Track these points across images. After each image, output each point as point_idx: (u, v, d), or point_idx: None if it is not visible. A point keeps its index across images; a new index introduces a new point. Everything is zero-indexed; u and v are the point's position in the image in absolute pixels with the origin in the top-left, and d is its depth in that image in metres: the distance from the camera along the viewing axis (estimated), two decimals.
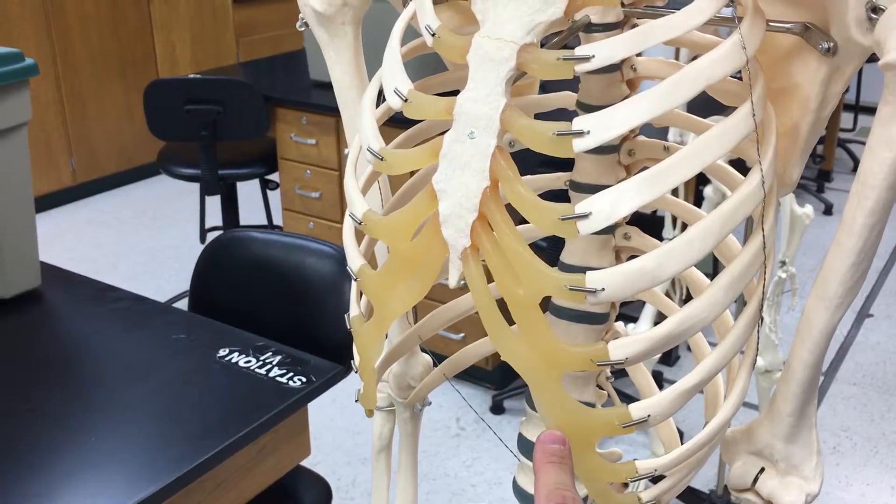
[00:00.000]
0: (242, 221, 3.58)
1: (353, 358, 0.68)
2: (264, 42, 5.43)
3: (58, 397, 1.41)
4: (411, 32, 0.64)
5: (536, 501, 0.47)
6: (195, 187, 3.37)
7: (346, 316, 0.64)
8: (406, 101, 0.55)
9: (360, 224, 0.58)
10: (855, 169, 5.00)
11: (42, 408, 1.38)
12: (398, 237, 0.56)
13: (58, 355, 1.55)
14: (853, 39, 0.51)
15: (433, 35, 0.55)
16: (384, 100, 0.60)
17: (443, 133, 0.55)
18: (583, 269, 0.66)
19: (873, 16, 0.50)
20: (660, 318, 0.69)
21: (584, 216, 0.49)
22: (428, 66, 0.69)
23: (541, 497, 0.46)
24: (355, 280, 0.61)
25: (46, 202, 4.56)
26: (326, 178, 3.14)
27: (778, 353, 2.33)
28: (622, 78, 0.62)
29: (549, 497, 0.46)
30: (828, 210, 4.48)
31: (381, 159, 0.56)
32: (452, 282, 0.54)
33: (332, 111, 3.01)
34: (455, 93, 0.68)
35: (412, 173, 0.67)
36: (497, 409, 2.89)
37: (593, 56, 0.50)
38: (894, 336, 3.41)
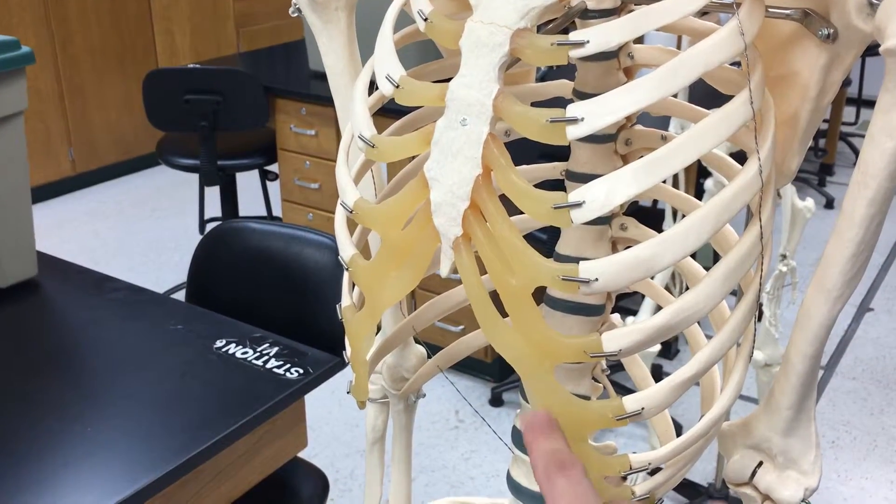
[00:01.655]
0: (242, 212, 3.57)
1: (345, 349, 0.67)
2: (265, 32, 5.41)
3: (54, 387, 1.40)
4: (406, 19, 0.63)
5: (535, 473, 0.45)
6: (195, 178, 3.37)
7: (337, 306, 0.63)
8: (398, 87, 0.54)
9: (350, 213, 0.57)
10: None
11: (38, 398, 1.37)
12: (389, 226, 0.55)
13: (54, 345, 1.55)
14: (853, 25, 0.50)
15: (426, 20, 0.54)
16: (378, 88, 0.59)
17: (436, 120, 0.54)
18: (578, 260, 0.65)
19: (874, 1, 0.49)
20: (658, 311, 0.69)
21: (578, 205, 0.48)
22: (430, 53, 0.68)
23: (539, 467, 0.45)
24: (347, 270, 0.60)
25: (46, 192, 4.55)
26: (326, 169, 3.13)
27: (778, 347, 2.32)
28: (619, 66, 0.61)
29: (547, 464, 0.45)
30: (829, 204, 4.47)
31: (373, 147, 0.55)
32: (444, 272, 0.53)
33: (332, 102, 3.00)
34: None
35: (408, 161, 0.66)
36: (496, 401, 2.89)
37: (588, 41, 0.49)
38: (894, 330, 3.40)
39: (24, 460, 1.22)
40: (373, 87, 0.61)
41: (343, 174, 0.59)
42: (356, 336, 0.59)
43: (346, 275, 0.63)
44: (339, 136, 3.25)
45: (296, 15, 0.72)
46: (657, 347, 2.47)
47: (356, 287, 0.64)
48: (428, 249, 0.53)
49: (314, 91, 3.08)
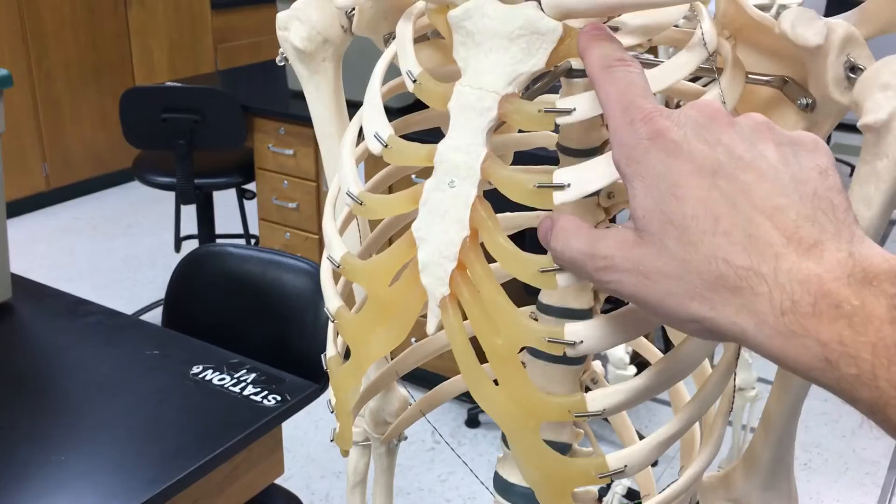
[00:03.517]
0: (218, 231, 3.56)
1: (327, 394, 0.67)
2: (243, 49, 5.41)
3: (28, 414, 1.39)
4: (393, 69, 0.63)
5: (591, 71, 0.44)
6: (171, 194, 3.35)
7: (322, 356, 0.63)
8: (386, 146, 0.55)
9: (338, 267, 0.57)
10: None
11: (12, 425, 1.36)
12: (377, 282, 0.55)
13: (29, 370, 1.53)
14: (831, 97, 0.51)
15: (414, 81, 0.55)
16: (363, 138, 0.60)
17: (417, 173, 0.55)
18: (561, 310, 0.66)
19: (852, 75, 0.50)
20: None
21: (563, 268, 0.49)
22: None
23: (595, 63, 0.43)
24: (332, 322, 0.60)
25: (19, 207, 4.51)
26: (303, 188, 3.12)
27: (751, 372, 2.34)
28: (602, 121, 0.62)
29: (606, 57, 0.43)
30: None
31: (361, 203, 0.56)
32: (430, 329, 0.54)
33: (311, 122, 3.00)
34: (436, 131, 0.68)
35: None
36: (472, 422, 2.89)
37: (574, 109, 0.50)
38: None
39: None
40: (359, 139, 0.62)
41: (330, 227, 0.60)
42: (341, 388, 0.60)
43: (331, 326, 0.64)
44: (317, 157, 3.25)
45: (282, 64, 0.73)
46: (633, 370, 2.49)
47: (340, 337, 0.64)
48: (415, 306, 0.54)
49: (293, 111, 3.08)
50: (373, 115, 0.57)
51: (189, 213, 3.47)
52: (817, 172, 0.36)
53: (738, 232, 0.35)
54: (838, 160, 5.21)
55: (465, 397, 2.67)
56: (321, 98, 0.72)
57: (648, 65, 0.54)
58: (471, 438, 2.84)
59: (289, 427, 1.72)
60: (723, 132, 0.37)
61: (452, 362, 0.51)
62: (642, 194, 0.38)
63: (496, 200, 0.55)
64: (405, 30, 0.58)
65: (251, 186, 3.35)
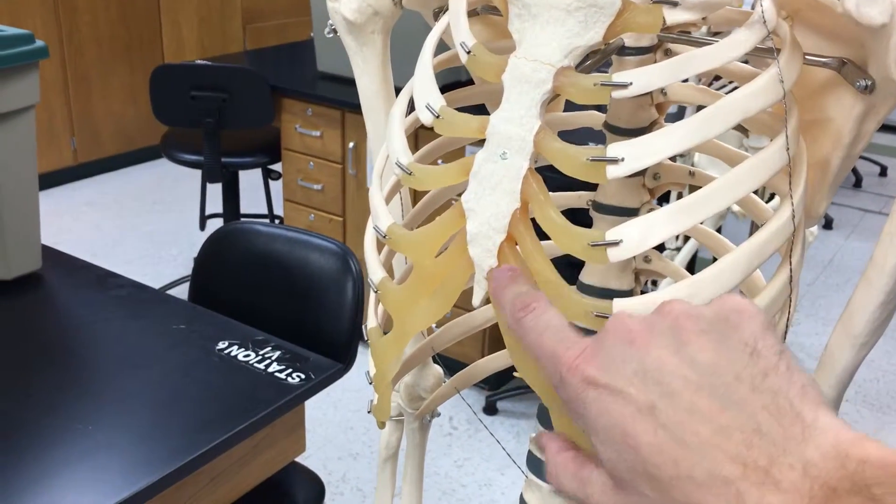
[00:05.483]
0: (243, 210, 3.57)
1: (358, 368, 0.67)
2: (271, 29, 5.41)
3: (55, 383, 1.40)
4: (441, 43, 0.63)
5: (507, 325, 0.45)
6: (196, 172, 3.36)
7: (363, 326, 0.63)
8: (438, 117, 0.55)
9: (384, 238, 0.57)
10: (857, 184, 4.99)
11: (39, 393, 1.37)
12: (423, 253, 0.55)
13: (56, 340, 1.55)
14: (892, 80, 0.51)
15: (468, 53, 0.54)
16: (412, 110, 0.60)
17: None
18: (602, 290, 0.66)
19: None
20: None
21: (615, 244, 0.49)
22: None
23: (507, 317, 0.44)
24: (375, 292, 0.60)
25: (47, 181, 4.54)
26: (329, 170, 3.13)
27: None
28: (652, 101, 0.62)
29: (512, 311, 0.43)
30: (828, 224, 4.48)
31: (410, 174, 0.56)
32: (476, 301, 0.54)
33: (338, 104, 3.00)
34: (481, 106, 0.67)
35: None
36: (490, 409, 2.89)
37: (631, 83, 0.49)
38: (888, 353, 3.42)
39: (22, 457, 1.22)
40: (408, 110, 0.62)
41: (377, 198, 0.60)
42: (382, 359, 0.60)
43: (372, 296, 0.64)
44: (344, 139, 3.24)
45: (331, 35, 0.72)
46: None
47: (381, 307, 0.64)
48: (460, 279, 0.54)
49: (321, 92, 3.08)
50: (424, 85, 0.57)
51: (214, 191, 3.48)
52: (748, 355, 0.36)
53: (699, 471, 0.35)
54: (868, 160, 5.06)
55: (484, 384, 2.64)
56: (368, 70, 0.72)
57: (704, 43, 0.54)
58: (488, 426, 2.85)
59: (308, 407, 1.73)
60: (645, 353, 0.37)
61: (472, 349, 0.50)
62: (602, 448, 0.38)
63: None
64: (459, 2, 0.58)
65: (277, 167, 3.36)
